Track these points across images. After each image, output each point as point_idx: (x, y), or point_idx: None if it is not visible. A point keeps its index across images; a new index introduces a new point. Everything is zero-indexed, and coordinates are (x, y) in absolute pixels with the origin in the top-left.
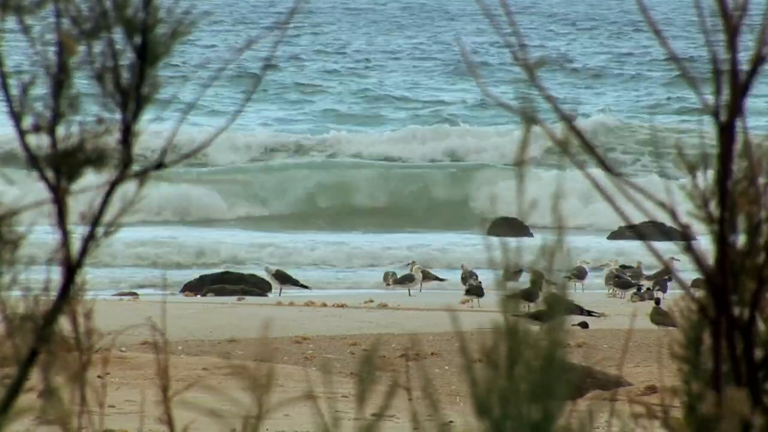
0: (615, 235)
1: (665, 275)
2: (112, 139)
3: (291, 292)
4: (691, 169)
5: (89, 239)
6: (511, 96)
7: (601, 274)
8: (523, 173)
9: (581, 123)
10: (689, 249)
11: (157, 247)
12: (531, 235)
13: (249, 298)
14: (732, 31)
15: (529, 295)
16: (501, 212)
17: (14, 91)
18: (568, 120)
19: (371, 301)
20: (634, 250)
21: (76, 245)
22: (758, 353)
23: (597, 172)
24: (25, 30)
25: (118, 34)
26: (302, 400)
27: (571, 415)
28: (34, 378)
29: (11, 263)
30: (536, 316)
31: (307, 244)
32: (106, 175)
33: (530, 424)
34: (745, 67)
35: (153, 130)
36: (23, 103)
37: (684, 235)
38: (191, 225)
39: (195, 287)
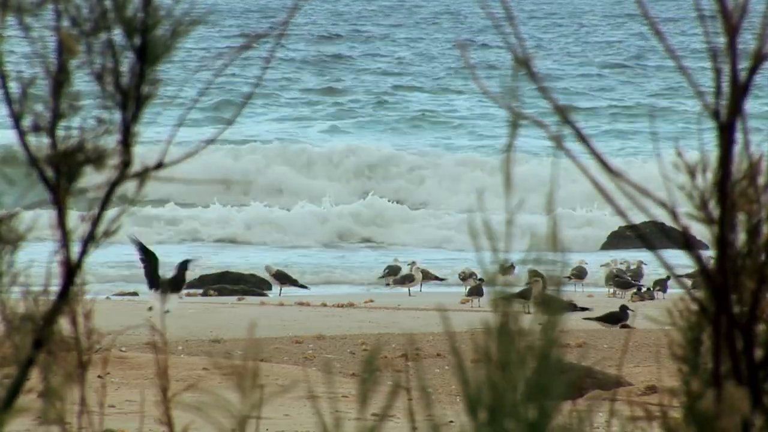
0: (611, 239)
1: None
2: (112, 140)
3: (290, 292)
4: (690, 170)
5: (89, 240)
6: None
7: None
8: (511, 168)
9: None
10: (690, 249)
11: None
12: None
13: (249, 298)
14: (732, 31)
15: (525, 295)
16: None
17: (15, 92)
18: (562, 113)
19: (371, 300)
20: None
21: (76, 246)
22: (758, 353)
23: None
24: (26, 30)
25: (118, 35)
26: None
27: (570, 414)
28: (34, 378)
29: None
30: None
31: None
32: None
33: (525, 423)
34: (745, 67)
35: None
36: (23, 104)
37: (684, 236)
38: None
39: (195, 287)
